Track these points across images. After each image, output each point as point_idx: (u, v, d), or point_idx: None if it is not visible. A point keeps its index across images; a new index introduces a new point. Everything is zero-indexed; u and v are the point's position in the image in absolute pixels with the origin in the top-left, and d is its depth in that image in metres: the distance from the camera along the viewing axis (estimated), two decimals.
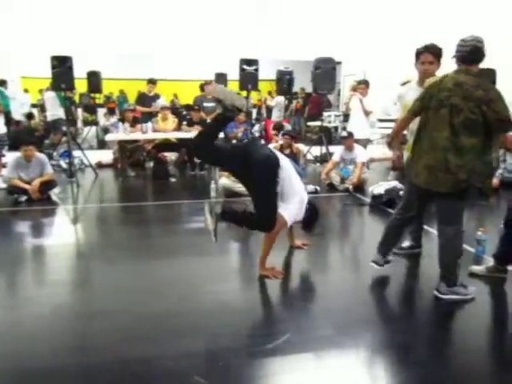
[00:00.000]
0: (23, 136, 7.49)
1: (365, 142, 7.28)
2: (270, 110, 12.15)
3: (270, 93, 13.13)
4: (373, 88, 7.72)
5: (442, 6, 9.92)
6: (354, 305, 2.98)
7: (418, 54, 3.48)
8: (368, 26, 10.37)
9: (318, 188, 6.20)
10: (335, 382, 2.26)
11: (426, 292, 3.30)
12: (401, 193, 5.44)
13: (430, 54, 3.43)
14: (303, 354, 2.43)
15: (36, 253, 4.19)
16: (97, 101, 10.98)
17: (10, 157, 6.40)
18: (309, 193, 5.94)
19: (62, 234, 4.70)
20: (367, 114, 7.51)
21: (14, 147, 7.33)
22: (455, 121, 2.77)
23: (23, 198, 5.63)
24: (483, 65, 2.96)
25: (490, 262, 3.46)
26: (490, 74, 5.64)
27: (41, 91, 9.69)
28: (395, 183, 5.58)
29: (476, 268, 3.44)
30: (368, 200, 5.72)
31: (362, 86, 7.62)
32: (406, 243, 3.90)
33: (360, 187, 6.24)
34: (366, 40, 10.39)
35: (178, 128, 7.53)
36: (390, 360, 2.42)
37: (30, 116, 9.89)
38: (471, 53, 2.82)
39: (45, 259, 4.08)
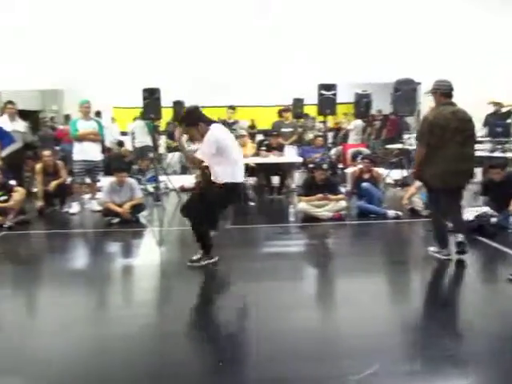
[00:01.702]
0: (115, 162, 8.09)
1: None
2: (345, 134, 12.00)
3: (345, 114, 12.96)
4: None
5: None
6: (445, 339, 2.80)
7: None
8: (447, 45, 10.02)
9: (399, 213, 5.99)
10: None
11: None
12: (492, 219, 5.12)
13: None
14: None
15: (123, 272, 4.47)
16: None
17: (104, 181, 6.93)
18: (390, 218, 5.83)
19: (148, 255, 4.96)
20: None
21: (106, 172, 7.93)
22: (458, 139, 3.88)
23: (115, 220, 6.05)
24: None
25: None
26: None
27: (135, 119, 10.43)
28: (486, 209, 5.25)
29: None
30: None
31: None
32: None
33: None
34: (445, 59, 10.02)
35: (257, 153, 7.71)
36: None
37: (120, 144, 10.67)
38: (451, 89, 4.01)
39: (131, 279, 4.34)
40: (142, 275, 4.34)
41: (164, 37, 10.47)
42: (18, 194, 6.07)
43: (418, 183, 6.18)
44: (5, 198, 5.98)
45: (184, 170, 10.03)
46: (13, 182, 6.31)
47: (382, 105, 11.46)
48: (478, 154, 8.82)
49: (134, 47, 10.45)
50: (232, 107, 8.54)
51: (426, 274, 4.27)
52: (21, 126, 6.95)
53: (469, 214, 5.24)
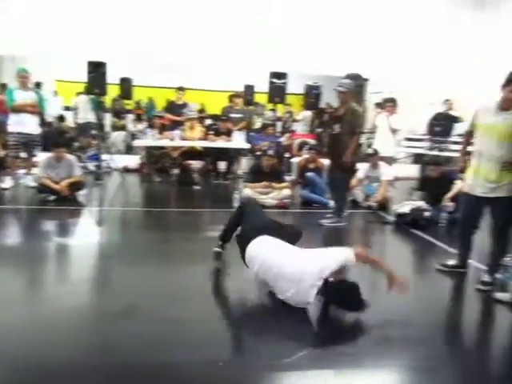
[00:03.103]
0: (54, 137, 7.70)
1: (390, 160, 7.24)
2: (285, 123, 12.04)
3: (287, 105, 13.00)
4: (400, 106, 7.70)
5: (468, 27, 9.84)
6: (378, 324, 2.91)
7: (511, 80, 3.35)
8: (397, 44, 10.36)
9: None
10: None
11: (457, 317, 3.25)
12: (426, 213, 5.38)
13: None
14: (322, 370, 2.41)
15: (59, 251, 4.29)
16: (127, 107, 11.22)
17: (42, 157, 6.58)
18: (332, 208, 5.98)
19: (86, 234, 4.79)
20: (394, 131, 7.47)
21: (45, 148, 7.54)
22: None
23: (51, 198, 5.77)
24: None
25: None
26: None
27: (79, 94, 9.94)
28: (421, 203, 5.51)
29: (501, 295, 3.36)
30: (391, 218, 5.66)
31: (390, 103, 7.59)
32: (451, 261, 3.94)
33: (384, 205, 6.18)
34: (395, 57, 10.37)
35: (205, 137, 7.63)
36: (415, 382, 2.39)
37: (61, 118, 10.17)
38: None
39: (67, 258, 4.17)
40: (78, 255, 4.18)
41: (115, 9, 10.04)
42: None
43: (359, 175, 6.41)
44: None
45: (129, 150, 9.74)
46: None
47: (332, 98, 11.67)
48: (417, 151, 9.36)
49: (81, 18, 9.95)
50: (181, 88, 8.36)
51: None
52: None
53: (405, 207, 5.50)
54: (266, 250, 3.09)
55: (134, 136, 10.41)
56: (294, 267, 2.90)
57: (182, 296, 3.23)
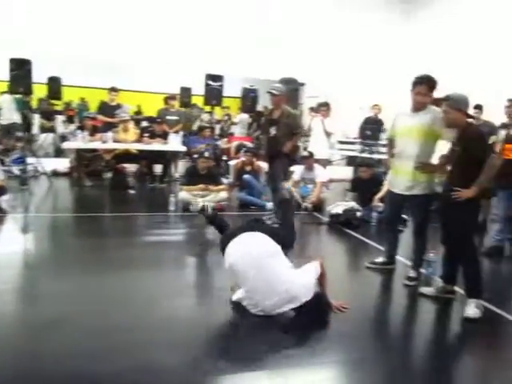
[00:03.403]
0: None
1: (325, 162, 7.45)
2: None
3: (223, 108, 12.98)
4: (333, 110, 7.95)
5: (405, 33, 10.40)
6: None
7: (415, 84, 3.54)
8: (333, 49, 10.72)
9: None
10: None
11: (386, 311, 3.39)
12: (358, 213, 5.59)
13: (425, 86, 3.50)
14: (258, 371, 2.41)
15: None
16: (56, 107, 10.67)
17: None
18: (268, 210, 6.04)
19: (9, 242, 4.49)
20: (328, 135, 7.70)
21: None
22: None
23: None
24: None
25: (440, 282, 3.57)
26: None
27: (2, 93, 9.31)
28: (353, 204, 5.71)
29: (426, 289, 3.55)
30: (326, 219, 5.82)
31: (324, 107, 7.81)
32: (379, 258, 4.09)
33: (319, 206, 6.33)
34: (330, 63, 10.72)
35: (139, 139, 7.43)
36: (349, 377, 2.46)
37: None
38: None
39: None
40: (1, 264, 3.89)
41: (43, 5, 9.53)
42: None
43: (295, 177, 6.53)
44: None
45: (58, 153, 9.27)
46: None
47: (269, 101, 11.80)
48: (350, 153, 9.71)
49: (7, 13, 9.35)
50: (114, 89, 8.08)
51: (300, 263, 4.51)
52: None
53: (338, 208, 5.67)
54: (256, 247, 2.98)
55: (63, 138, 9.93)
56: (286, 278, 2.88)
57: (117, 304, 3.12)
